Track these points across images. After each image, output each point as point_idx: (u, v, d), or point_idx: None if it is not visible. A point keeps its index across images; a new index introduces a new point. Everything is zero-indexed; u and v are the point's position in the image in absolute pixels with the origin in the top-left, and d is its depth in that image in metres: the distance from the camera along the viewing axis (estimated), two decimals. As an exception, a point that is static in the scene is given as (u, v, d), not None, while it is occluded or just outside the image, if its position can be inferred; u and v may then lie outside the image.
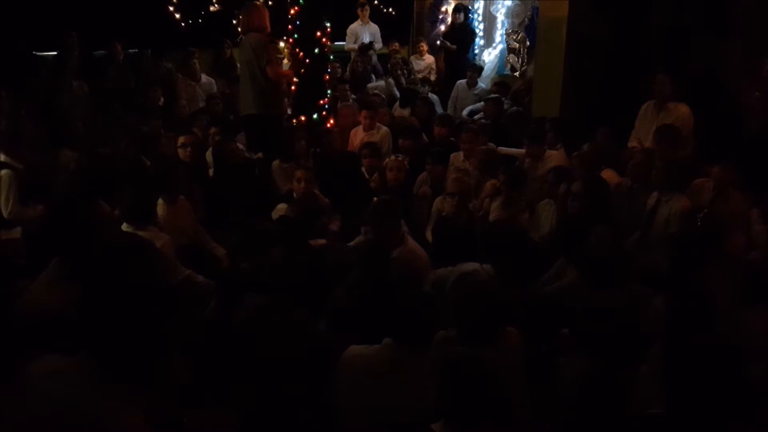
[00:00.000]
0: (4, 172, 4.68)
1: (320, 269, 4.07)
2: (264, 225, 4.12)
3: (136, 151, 5.59)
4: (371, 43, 9.58)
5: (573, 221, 4.36)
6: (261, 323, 3.08)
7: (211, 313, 3.35)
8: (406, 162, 5.48)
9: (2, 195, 4.63)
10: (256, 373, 2.91)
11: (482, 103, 8.44)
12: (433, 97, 8.43)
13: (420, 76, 9.58)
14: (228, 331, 3.13)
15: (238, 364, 2.94)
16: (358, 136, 6.60)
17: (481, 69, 9.19)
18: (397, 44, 9.89)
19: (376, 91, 8.45)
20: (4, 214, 4.64)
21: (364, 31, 9.69)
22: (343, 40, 9.81)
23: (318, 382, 2.81)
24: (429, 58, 9.95)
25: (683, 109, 5.59)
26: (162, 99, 7.35)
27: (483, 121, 7.28)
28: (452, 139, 6.38)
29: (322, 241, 4.81)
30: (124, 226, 3.84)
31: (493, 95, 7.87)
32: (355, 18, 9.77)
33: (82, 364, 1.69)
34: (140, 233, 3.69)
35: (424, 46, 9.91)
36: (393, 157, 5.53)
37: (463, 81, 8.77)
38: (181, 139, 5.40)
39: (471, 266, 3.71)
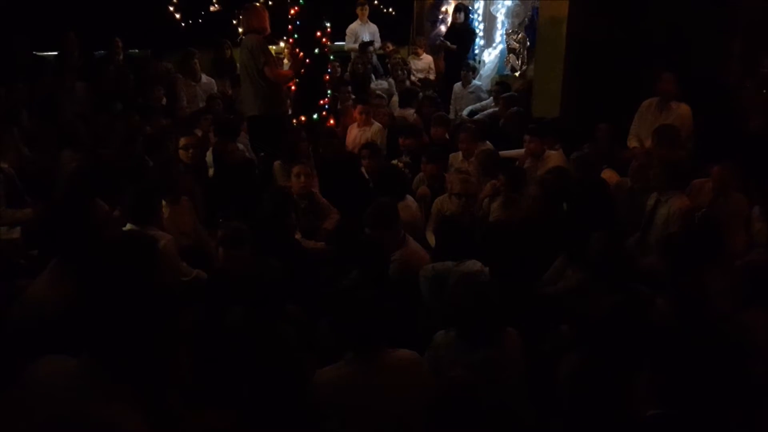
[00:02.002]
0: None
1: (311, 268, 4.08)
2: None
3: (139, 152, 5.59)
4: (371, 41, 9.59)
5: (568, 222, 4.39)
6: (243, 331, 3.08)
7: (200, 316, 3.35)
8: (406, 171, 5.49)
9: None
10: (244, 377, 2.91)
11: (482, 103, 8.46)
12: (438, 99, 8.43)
13: (420, 75, 9.60)
14: (217, 335, 3.14)
15: (228, 367, 2.95)
16: (352, 133, 6.66)
17: (475, 68, 9.19)
18: (389, 45, 9.87)
19: (379, 91, 8.46)
20: None
21: (364, 31, 9.69)
22: (343, 40, 9.81)
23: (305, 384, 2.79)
24: (427, 58, 9.95)
25: (684, 109, 5.59)
26: (165, 99, 7.36)
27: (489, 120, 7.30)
28: (447, 137, 6.41)
29: (320, 244, 4.82)
30: (128, 226, 3.85)
31: (507, 93, 7.85)
32: (354, 18, 9.77)
33: (83, 366, 1.69)
34: (142, 233, 3.69)
35: (421, 49, 9.91)
36: (394, 161, 5.55)
37: (459, 83, 8.78)
38: (182, 141, 5.39)
39: (473, 265, 3.72)
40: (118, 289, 1.81)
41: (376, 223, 3.99)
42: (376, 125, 6.63)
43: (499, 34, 9.65)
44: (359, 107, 6.69)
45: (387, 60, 9.60)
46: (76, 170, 4.97)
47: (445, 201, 5.10)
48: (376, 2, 9.92)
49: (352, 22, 9.77)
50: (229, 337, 3.12)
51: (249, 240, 3.77)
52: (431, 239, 4.88)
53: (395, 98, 8.62)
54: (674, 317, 3.19)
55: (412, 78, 9.54)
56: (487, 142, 6.12)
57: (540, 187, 4.54)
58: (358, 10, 9.66)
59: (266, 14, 6.19)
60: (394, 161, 5.74)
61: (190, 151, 5.33)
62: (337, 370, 2.68)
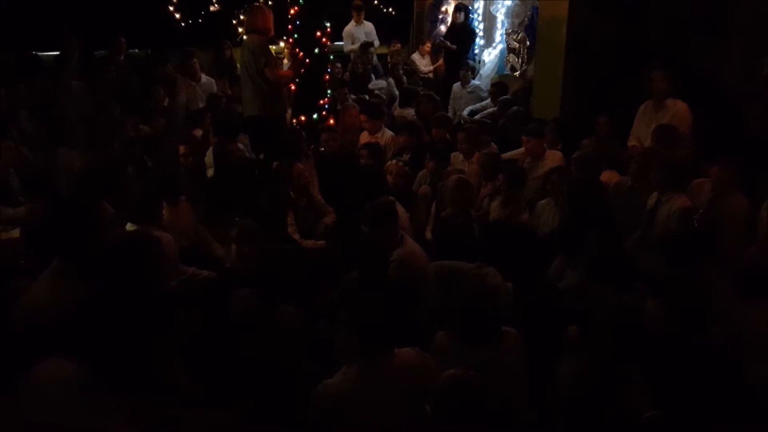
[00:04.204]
0: None
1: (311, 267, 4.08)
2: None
3: (138, 153, 5.59)
4: (371, 42, 9.60)
5: (567, 222, 4.39)
6: (247, 320, 3.08)
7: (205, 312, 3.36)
8: (407, 169, 5.49)
9: None
10: (247, 370, 2.91)
11: (481, 103, 8.47)
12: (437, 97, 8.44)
13: (426, 71, 9.64)
14: (220, 329, 3.14)
15: (230, 361, 2.95)
16: (364, 140, 6.61)
17: (473, 68, 9.20)
18: (399, 44, 9.91)
19: (377, 91, 8.46)
20: None
21: (359, 32, 9.69)
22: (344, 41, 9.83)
23: (305, 376, 2.79)
24: (428, 57, 10.01)
25: (681, 106, 5.55)
26: (167, 100, 7.36)
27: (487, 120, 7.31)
28: (448, 137, 6.41)
29: (320, 243, 4.83)
30: (128, 226, 3.85)
31: (504, 97, 7.86)
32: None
33: (79, 372, 1.68)
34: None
35: (427, 47, 9.96)
36: (394, 162, 5.55)
37: (458, 83, 8.79)
38: (182, 149, 5.41)
39: (490, 272, 3.69)
40: (123, 289, 1.82)
41: (375, 222, 3.99)
42: (388, 133, 6.61)
43: (499, 34, 9.65)
44: (362, 116, 6.66)
45: (388, 60, 9.63)
46: (83, 172, 4.98)
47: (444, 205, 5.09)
48: (375, 2, 9.92)
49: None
50: (236, 322, 3.13)
51: (261, 237, 3.78)
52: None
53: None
54: (672, 317, 3.19)
55: (422, 69, 9.57)
56: (493, 144, 6.13)
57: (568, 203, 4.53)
58: (354, 13, 9.65)
59: (271, 15, 6.17)
60: (394, 160, 5.73)
61: (190, 158, 5.36)
62: (339, 379, 2.60)
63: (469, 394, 2.44)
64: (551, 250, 4.29)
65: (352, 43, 9.65)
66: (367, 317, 2.60)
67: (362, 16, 9.66)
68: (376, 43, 9.79)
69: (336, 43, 9.12)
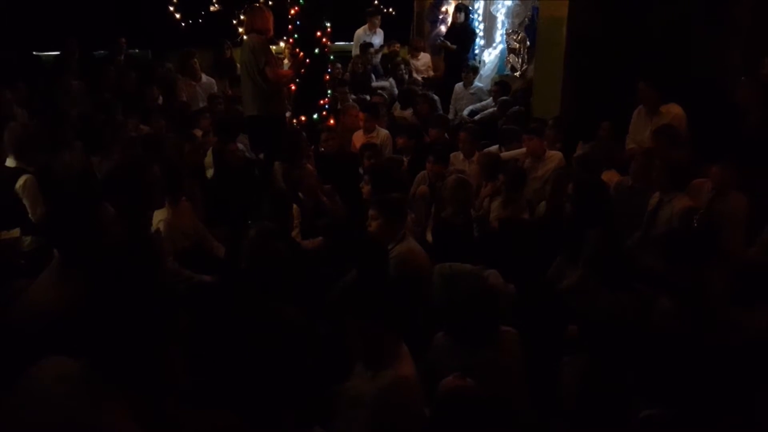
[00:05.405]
0: (27, 177, 4.53)
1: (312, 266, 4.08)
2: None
3: (138, 153, 5.58)
4: (371, 42, 9.59)
5: (568, 222, 4.38)
6: (248, 320, 3.08)
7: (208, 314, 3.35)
8: (405, 166, 5.49)
9: (30, 200, 4.49)
10: (247, 370, 2.91)
11: (482, 103, 8.47)
12: (434, 97, 8.44)
13: (423, 72, 9.63)
14: (221, 329, 3.14)
15: (231, 361, 2.95)
16: (359, 139, 6.63)
17: (476, 69, 9.20)
18: (398, 45, 9.91)
19: (380, 91, 8.46)
20: (33, 218, 4.49)
21: (369, 39, 9.68)
22: (343, 41, 9.80)
23: (307, 377, 2.79)
24: (425, 57, 9.99)
25: (675, 111, 5.54)
26: (161, 98, 7.34)
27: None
28: (446, 137, 6.42)
29: (317, 241, 4.83)
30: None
31: (503, 97, 7.88)
32: (354, 19, 9.75)
33: (79, 370, 1.68)
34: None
35: (416, 52, 9.98)
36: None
37: (460, 83, 8.79)
38: (187, 146, 5.42)
39: (492, 275, 3.70)
40: (123, 289, 1.82)
41: (385, 213, 3.98)
42: (384, 133, 6.63)
43: (499, 34, 9.66)
44: (362, 114, 6.68)
45: (389, 61, 9.62)
46: (83, 173, 4.97)
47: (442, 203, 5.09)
48: (376, 2, 9.93)
49: (352, 22, 9.74)
50: (237, 322, 3.13)
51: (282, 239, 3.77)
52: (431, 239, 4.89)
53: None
54: (672, 317, 3.19)
55: (415, 76, 9.55)
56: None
57: (570, 202, 4.53)
58: (369, 19, 9.62)
59: (270, 16, 6.18)
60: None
61: (193, 156, 5.37)
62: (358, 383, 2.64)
63: (467, 402, 2.43)
64: (551, 246, 4.28)
65: (362, 49, 9.63)
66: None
67: (377, 22, 9.63)
68: (377, 46, 9.77)
69: (336, 43, 9.12)
